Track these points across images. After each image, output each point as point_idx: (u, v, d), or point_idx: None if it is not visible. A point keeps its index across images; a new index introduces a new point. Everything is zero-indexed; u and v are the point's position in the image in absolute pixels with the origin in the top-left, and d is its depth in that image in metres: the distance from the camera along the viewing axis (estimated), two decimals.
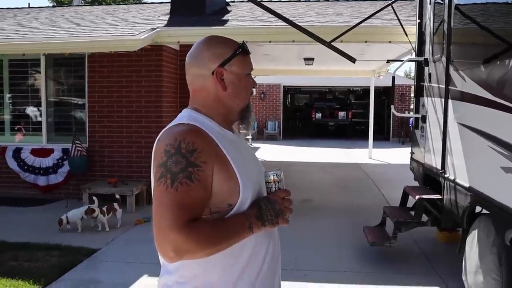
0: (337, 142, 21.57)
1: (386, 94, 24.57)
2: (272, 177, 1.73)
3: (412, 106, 22.49)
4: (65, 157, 8.52)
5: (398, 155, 16.65)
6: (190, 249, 1.51)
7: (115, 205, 6.91)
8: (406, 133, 21.98)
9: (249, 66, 1.80)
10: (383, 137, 23.37)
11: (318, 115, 24.22)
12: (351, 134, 24.28)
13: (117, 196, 7.09)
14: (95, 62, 8.38)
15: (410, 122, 20.11)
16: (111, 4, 11.27)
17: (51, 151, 8.66)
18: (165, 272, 1.74)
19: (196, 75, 1.76)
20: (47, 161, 8.65)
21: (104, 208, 6.72)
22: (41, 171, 8.62)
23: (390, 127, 23.71)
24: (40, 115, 8.93)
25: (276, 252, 1.81)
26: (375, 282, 5.03)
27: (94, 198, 6.99)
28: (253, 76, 1.85)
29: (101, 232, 6.66)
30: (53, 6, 13.49)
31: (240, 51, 1.76)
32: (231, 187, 1.63)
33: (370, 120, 16.38)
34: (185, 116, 1.73)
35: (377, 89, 17.49)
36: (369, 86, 16.62)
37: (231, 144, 1.73)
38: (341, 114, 24.13)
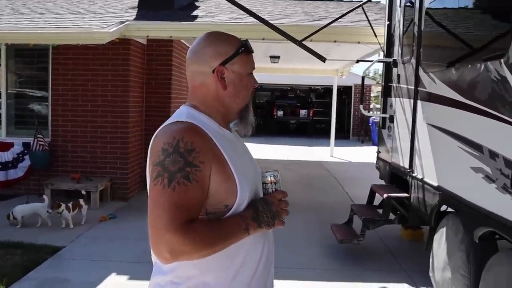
0: (299, 140, 21.76)
1: (346, 93, 24.90)
2: (269, 178, 1.71)
3: (371, 106, 23.01)
4: (26, 151, 8.28)
5: (359, 154, 16.94)
6: (186, 251, 1.48)
7: (81, 201, 6.77)
8: (366, 132, 22.33)
9: (251, 65, 1.77)
10: (343, 135, 23.67)
11: (280, 112, 24.32)
12: (312, 132, 24.49)
13: (83, 192, 6.96)
14: (59, 54, 8.17)
15: (370, 121, 20.49)
16: None
17: (10, 145, 8.39)
18: (158, 272, 1.71)
19: (196, 72, 1.73)
20: (7, 156, 8.38)
21: (70, 204, 6.56)
22: (0, 166, 8.36)
23: (350, 126, 24.04)
24: (0, 108, 8.65)
25: (270, 253, 1.81)
26: (344, 279, 5.11)
27: (45, 196, 6.77)
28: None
29: (65, 229, 6.51)
30: None
31: (243, 49, 1.72)
32: (228, 188, 1.61)
33: (332, 118, 16.55)
34: (183, 113, 1.69)
35: (338, 88, 17.67)
36: (330, 85, 16.85)
37: (229, 143, 1.71)
38: (303, 112, 24.30)
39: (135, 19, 7.90)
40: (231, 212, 1.62)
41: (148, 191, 1.65)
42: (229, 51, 1.70)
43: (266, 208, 1.66)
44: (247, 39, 1.76)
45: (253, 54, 1.79)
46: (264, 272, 1.75)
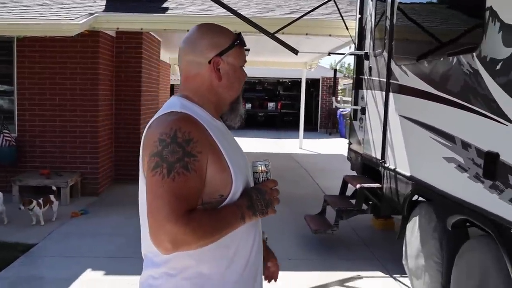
0: (267, 132, 21.84)
1: (314, 86, 25.07)
2: (260, 167, 1.74)
3: (339, 98, 23.24)
4: None
5: (327, 146, 17.12)
6: (187, 240, 1.49)
7: (51, 197, 6.66)
8: (334, 125, 22.55)
9: (244, 58, 1.80)
10: (311, 127, 23.82)
11: (248, 105, 24.36)
12: (281, 124, 24.62)
13: (54, 188, 6.84)
14: (25, 47, 7.97)
15: (338, 114, 20.70)
16: None
17: None
18: (150, 264, 1.71)
19: (191, 62, 1.74)
20: None
21: (41, 200, 6.44)
22: None
23: (318, 118, 24.22)
24: None
25: (260, 243, 1.85)
26: (319, 268, 5.19)
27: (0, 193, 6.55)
28: None
29: (35, 226, 6.38)
30: None
31: (238, 42, 1.75)
32: (224, 178, 1.63)
33: (301, 111, 16.64)
34: (176, 103, 1.70)
35: (306, 81, 17.76)
36: (298, 78, 16.93)
37: (222, 134, 1.73)
38: (271, 105, 24.44)
39: (105, 10, 7.77)
40: (226, 202, 1.64)
41: (141, 182, 1.66)
42: (225, 43, 1.73)
43: (260, 197, 1.69)
44: (240, 33, 1.79)
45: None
46: (256, 260, 1.79)
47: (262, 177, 1.74)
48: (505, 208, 3.03)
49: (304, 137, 16.76)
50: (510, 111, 3.02)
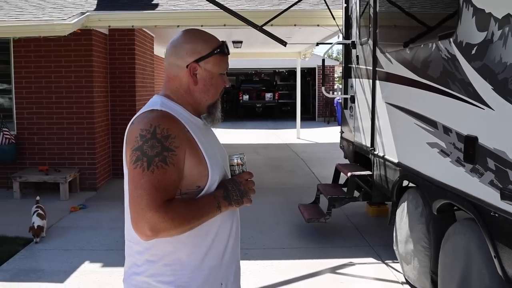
0: (265, 123, 21.93)
1: (310, 75, 25.11)
2: (236, 160, 1.87)
3: (336, 86, 23.28)
4: None
5: (325, 135, 17.18)
6: (166, 228, 1.62)
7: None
8: (331, 113, 22.61)
9: (224, 66, 1.90)
10: (309, 117, 23.93)
11: (245, 97, 24.40)
12: (278, 115, 24.72)
13: (37, 198, 6.22)
14: (21, 47, 8.07)
15: (335, 102, 20.76)
16: None
17: None
18: (133, 252, 1.83)
19: (172, 64, 1.85)
20: None
21: (41, 211, 5.86)
22: None
23: (315, 107, 24.28)
24: None
25: (238, 229, 1.97)
26: (313, 256, 5.29)
27: None
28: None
29: None
30: None
31: (218, 51, 1.85)
32: (200, 171, 1.76)
33: (297, 100, 16.72)
34: (157, 102, 1.82)
35: (302, 70, 17.82)
36: (294, 68, 16.93)
37: (200, 130, 1.84)
38: (268, 95, 24.44)
39: (96, 9, 7.85)
40: (203, 192, 1.77)
41: (125, 175, 1.77)
42: (205, 50, 1.83)
43: (235, 188, 1.82)
44: (225, 41, 1.89)
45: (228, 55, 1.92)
46: (234, 246, 1.92)
47: (238, 170, 1.87)
48: (485, 191, 3.11)
49: (302, 127, 16.84)
50: (486, 95, 3.10)
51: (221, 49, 1.86)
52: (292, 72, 24.63)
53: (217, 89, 1.90)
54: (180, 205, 1.66)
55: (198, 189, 1.76)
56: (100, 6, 8.06)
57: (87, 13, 7.38)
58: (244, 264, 4.95)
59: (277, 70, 28.27)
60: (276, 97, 24.49)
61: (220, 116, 1.95)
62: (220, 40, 1.90)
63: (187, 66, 1.83)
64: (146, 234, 1.62)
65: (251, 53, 15.96)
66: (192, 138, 1.77)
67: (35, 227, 5.54)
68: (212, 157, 1.80)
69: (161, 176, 1.64)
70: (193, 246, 1.78)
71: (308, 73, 25.40)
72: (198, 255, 1.79)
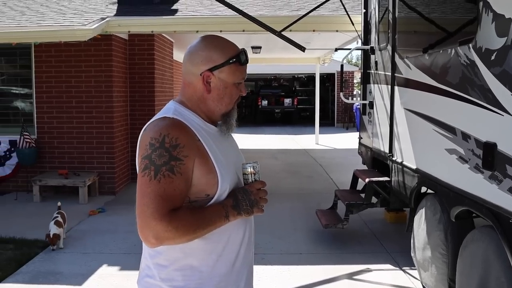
0: (284, 128, 21.92)
1: (330, 81, 25.04)
2: (249, 169, 1.85)
3: (355, 92, 23.19)
4: (12, 149, 8.32)
5: (344, 140, 17.11)
6: (170, 236, 1.63)
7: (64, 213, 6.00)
8: (350, 119, 22.52)
9: (241, 76, 1.86)
10: (328, 122, 23.85)
11: (264, 102, 24.42)
12: (297, 120, 24.67)
13: (59, 204, 6.14)
14: (42, 52, 8.21)
15: (354, 108, 20.67)
16: None
17: None
18: (146, 255, 1.86)
19: (188, 71, 1.85)
20: None
21: (59, 218, 5.75)
22: None
23: (334, 113, 24.20)
24: None
25: (251, 236, 1.96)
26: (330, 262, 5.27)
27: None
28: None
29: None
30: None
31: (234, 60, 1.81)
32: (210, 180, 1.75)
33: (316, 106, 16.68)
34: (171, 109, 1.82)
35: (321, 76, 17.78)
36: (314, 73, 16.91)
37: (213, 138, 1.84)
38: (287, 101, 24.42)
39: (116, 14, 7.94)
40: (212, 201, 1.77)
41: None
42: (220, 59, 1.81)
43: (245, 197, 1.80)
44: (243, 49, 1.85)
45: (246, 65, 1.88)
46: (246, 253, 1.91)
47: (251, 178, 1.85)
48: (503, 198, 3.07)
49: (320, 132, 16.80)
50: (505, 101, 3.06)
51: (237, 59, 1.82)
52: (311, 78, 24.58)
53: (231, 98, 1.88)
54: (185, 215, 1.67)
55: (207, 197, 1.76)
56: (120, 12, 8.16)
57: (107, 19, 7.47)
58: (261, 269, 5.00)
59: (296, 76, 28.24)
60: (295, 103, 24.46)
61: (234, 124, 1.93)
62: (240, 47, 1.86)
63: (200, 74, 1.81)
64: (150, 242, 1.64)
65: (270, 59, 15.98)
66: (203, 147, 1.76)
67: (51, 236, 5.52)
68: (223, 166, 1.79)
69: (167, 185, 1.65)
70: (204, 253, 1.79)
71: (327, 78, 25.34)
72: (209, 262, 1.80)
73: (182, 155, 1.69)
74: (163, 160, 1.66)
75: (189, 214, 1.68)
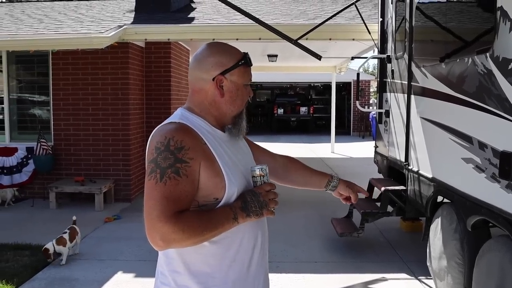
0: (300, 137, 21.89)
1: (346, 89, 24.99)
2: (257, 172, 1.85)
3: (371, 101, 23.10)
4: (29, 155, 8.43)
5: (360, 149, 17.04)
6: (177, 238, 1.63)
7: (76, 228, 5.77)
8: (366, 128, 22.43)
9: (249, 77, 1.92)
10: (344, 131, 23.80)
11: (280, 110, 24.43)
12: (313, 129, 24.63)
13: (74, 218, 5.90)
14: (59, 59, 8.30)
15: (370, 116, 20.59)
16: (73, 0, 11.14)
17: (15, 150, 8.52)
18: (161, 262, 1.87)
19: (198, 78, 1.87)
20: (11, 160, 8.51)
21: (66, 235, 5.50)
22: (5, 171, 8.48)
23: (350, 122, 24.14)
24: (2, 113, 8.78)
25: (265, 245, 1.96)
26: (345, 271, 5.24)
27: None
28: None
29: None
30: (10, 1, 13.18)
31: (243, 62, 1.88)
32: (217, 183, 1.76)
33: (332, 115, 16.63)
34: (178, 115, 1.85)
35: (337, 84, 17.77)
36: (330, 82, 16.90)
37: (220, 142, 1.85)
38: (303, 109, 24.41)
39: (133, 22, 8.02)
40: (220, 204, 1.77)
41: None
42: (229, 62, 1.86)
43: (254, 199, 1.79)
44: (247, 53, 1.92)
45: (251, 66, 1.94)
46: (260, 258, 1.92)
47: (259, 181, 1.85)
48: None
49: (336, 141, 16.74)
50: None
51: (245, 61, 1.89)
52: (327, 86, 24.53)
53: (243, 99, 1.92)
54: (191, 216, 1.67)
55: (216, 201, 1.77)
56: (137, 20, 8.24)
57: (124, 27, 7.54)
58: (276, 277, 4.99)
59: (312, 84, 28.23)
60: (311, 111, 24.44)
61: (245, 126, 1.96)
62: (243, 51, 1.93)
63: (213, 79, 1.84)
64: (158, 244, 1.64)
65: (286, 67, 16.01)
66: (209, 150, 1.78)
67: (44, 250, 5.33)
68: (231, 169, 1.80)
69: (173, 187, 1.66)
70: (216, 258, 1.79)
71: (343, 87, 25.30)
72: (222, 267, 1.80)
73: (187, 157, 1.70)
74: (168, 162, 1.68)
75: (195, 215, 1.69)
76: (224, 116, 1.90)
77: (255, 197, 1.80)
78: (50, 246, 5.36)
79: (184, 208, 1.68)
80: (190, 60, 1.91)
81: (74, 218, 5.87)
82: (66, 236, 5.48)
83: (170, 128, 1.76)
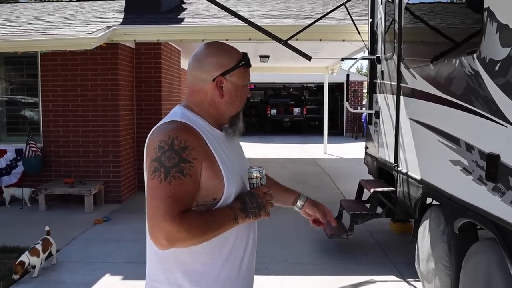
0: (293, 138, 21.88)
1: (339, 90, 25.01)
2: (254, 174, 1.88)
3: (364, 102, 23.11)
4: (18, 157, 8.37)
5: (352, 150, 17.04)
6: (181, 238, 1.62)
7: (50, 238, 5.45)
8: (359, 128, 22.46)
9: (248, 78, 1.94)
10: (337, 132, 23.81)
11: (273, 111, 24.44)
12: (306, 129, 24.65)
13: (47, 228, 5.53)
14: (48, 61, 8.24)
15: (363, 117, 20.61)
16: (62, 1, 11.08)
17: (3, 152, 8.46)
18: (152, 261, 1.87)
19: (197, 78, 1.87)
20: (0, 162, 8.46)
21: (39, 246, 5.19)
22: None
23: (343, 123, 24.16)
24: None
25: (255, 241, 1.99)
26: (334, 273, 5.22)
27: None
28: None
29: (59, 232, 6.49)
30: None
31: (243, 63, 1.89)
32: (216, 184, 1.77)
33: (324, 115, 16.65)
34: (178, 113, 1.84)
35: (330, 85, 17.74)
36: (323, 82, 16.89)
37: (219, 142, 1.86)
38: (296, 110, 24.42)
39: (122, 23, 7.97)
40: (219, 205, 1.78)
41: (146, 185, 1.78)
42: (230, 63, 1.86)
43: (253, 200, 1.81)
44: (246, 53, 1.92)
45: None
46: (250, 260, 1.95)
47: (256, 183, 1.87)
48: (506, 211, 3.03)
49: (329, 142, 16.75)
50: (509, 112, 3.02)
51: (245, 61, 1.90)
52: (320, 87, 24.53)
53: (242, 100, 1.93)
54: (196, 216, 1.68)
55: (214, 201, 1.78)
56: (127, 21, 8.19)
57: (113, 27, 7.49)
58: (264, 279, 4.97)
59: (305, 85, 28.23)
60: (304, 112, 24.45)
61: (242, 127, 1.97)
62: (242, 52, 1.93)
63: (213, 80, 1.85)
64: (162, 244, 1.63)
65: (279, 68, 16.00)
66: (210, 150, 1.78)
67: (20, 263, 4.94)
68: (229, 170, 1.81)
69: (177, 187, 1.66)
70: (209, 257, 1.80)
71: (336, 88, 25.31)
72: (215, 267, 1.82)
73: (191, 157, 1.70)
74: (173, 162, 1.68)
75: (199, 215, 1.69)
76: (223, 116, 1.91)
77: (254, 199, 1.82)
78: (25, 258, 4.99)
79: (187, 208, 1.68)
80: (189, 59, 1.90)
81: (47, 228, 5.50)
82: (39, 247, 5.16)
83: (173, 127, 1.76)
